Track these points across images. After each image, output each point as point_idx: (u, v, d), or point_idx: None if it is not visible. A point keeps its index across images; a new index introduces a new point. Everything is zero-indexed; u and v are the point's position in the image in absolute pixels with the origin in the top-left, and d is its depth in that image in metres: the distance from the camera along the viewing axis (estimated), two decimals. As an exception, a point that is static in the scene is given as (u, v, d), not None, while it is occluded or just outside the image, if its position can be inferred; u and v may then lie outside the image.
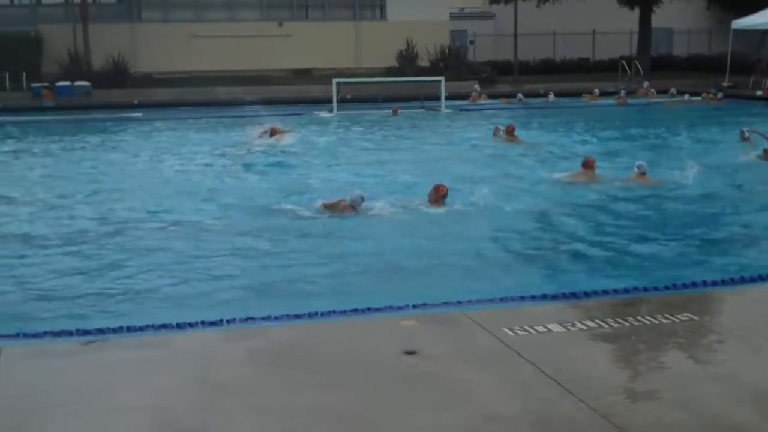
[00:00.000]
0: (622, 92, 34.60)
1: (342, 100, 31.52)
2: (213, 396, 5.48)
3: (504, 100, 34.64)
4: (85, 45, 38.57)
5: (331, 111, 30.34)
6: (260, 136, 22.26)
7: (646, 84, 37.19)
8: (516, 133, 21.23)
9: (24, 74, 36.04)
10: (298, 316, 7.21)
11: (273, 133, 22.00)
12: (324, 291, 8.94)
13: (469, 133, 23.45)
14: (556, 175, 15.78)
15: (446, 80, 32.56)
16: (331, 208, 12.50)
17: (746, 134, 19.88)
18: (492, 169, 17.11)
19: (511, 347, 6.24)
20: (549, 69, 46.52)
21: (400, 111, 29.81)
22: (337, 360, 6.10)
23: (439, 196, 12.70)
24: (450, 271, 9.77)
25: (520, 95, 34.82)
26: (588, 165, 15.41)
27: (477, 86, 36.52)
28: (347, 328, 7.06)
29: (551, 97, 35.29)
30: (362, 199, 12.48)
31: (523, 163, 18.09)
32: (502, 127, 21.75)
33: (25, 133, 25.64)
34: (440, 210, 12.53)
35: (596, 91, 35.34)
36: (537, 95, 35.89)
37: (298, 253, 10.56)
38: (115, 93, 35.99)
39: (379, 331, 6.82)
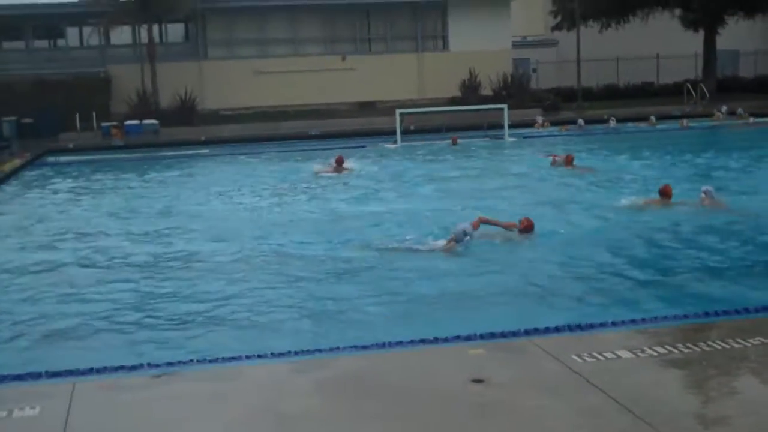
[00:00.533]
0: (685, 121, 34.21)
1: (405, 131, 31.64)
2: (283, 427, 5.53)
3: (563, 128, 34.49)
4: (153, 84, 39.31)
5: (395, 142, 30.48)
6: (326, 169, 22.51)
7: (724, 108, 36.52)
8: (576, 162, 21.04)
9: (94, 114, 36.80)
10: (365, 347, 7.25)
11: (339, 163, 22.20)
12: (393, 321, 8.98)
13: (534, 162, 23.34)
14: (624, 201, 15.65)
15: (509, 108, 32.53)
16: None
17: None
18: (557, 196, 17.03)
19: (580, 374, 6.20)
20: (612, 94, 46.18)
21: (459, 140, 29.83)
22: (405, 389, 6.12)
23: (527, 226, 12.69)
24: (520, 298, 9.75)
25: (580, 121, 34.61)
26: (665, 194, 15.09)
27: (539, 118, 36.30)
28: (415, 357, 7.07)
29: (612, 122, 35.01)
30: (465, 234, 12.07)
31: (585, 190, 17.95)
32: (559, 157, 21.65)
33: (96, 171, 26.16)
34: (522, 239, 12.52)
35: (652, 118, 34.99)
36: (599, 121, 35.65)
37: (369, 285, 10.63)
38: (183, 130, 36.56)
39: (447, 360, 6.83)
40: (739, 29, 47.02)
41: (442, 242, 12.27)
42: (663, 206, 14.83)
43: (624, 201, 15.73)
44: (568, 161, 20.99)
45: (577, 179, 19.49)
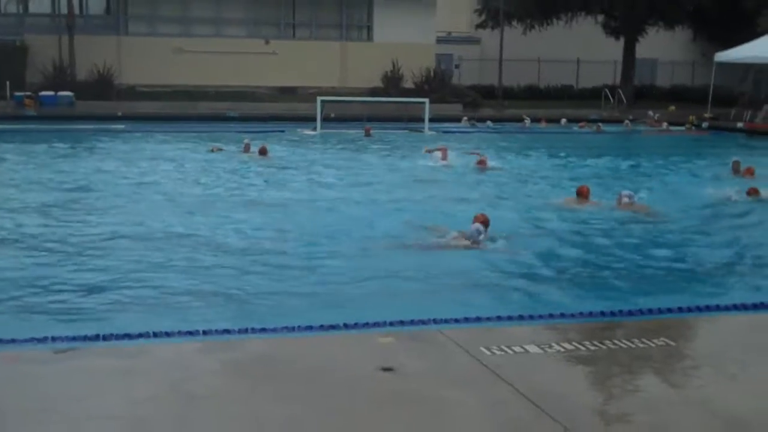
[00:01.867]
0: (600, 125, 34.95)
1: (326, 119, 31.59)
2: (187, 406, 5.46)
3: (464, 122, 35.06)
4: (70, 56, 38.51)
5: (314, 129, 30.41)
6: (244, 152, 22.46)
7: (653, 114, 37.42)
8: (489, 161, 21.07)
9: (8, 83, 35.92)
10: (275, 330, 7.20)
11: (262, 152, 22.07)
12: (307, 306, 8.93)
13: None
14: (539, 200, 15.82)
15: (431, 103, 32.73)
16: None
17: (740, 167, 19.83)
18: (467, 194, 17.08)
19: (488, 366, 6.24)
20: (533, 95, 46.80)
21: (372, 131, 29.89)
22: (312, 373, 6.08)
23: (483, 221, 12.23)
24: (433, 290, 9.78)
25: (489, 122, 35.26)
26: (582, 194, 15.29)
27: (465, 118, 36.66)
28: (324, 342, 7.04)
29: (527, 122, 35.59)
30: (479, 233, 11.74)
31: (496, 188, 18.08)
32: (435, 152, 21.77)
33: (5, 141, 25.52)
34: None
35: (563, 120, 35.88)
36: (518, 120, 36.25)
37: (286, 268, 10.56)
38: (99, 104, 35.95)
39: (356, 347, 6.81)
40: (658, 39, 48.00)
41: (453, 236, 12.02)
42: (579, 206, 15.04)
43: (539, 200, 15.90)
44: (444, 156, 21.02)
45: (487, 177, 19.63)
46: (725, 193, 16.74)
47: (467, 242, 11.69)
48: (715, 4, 43.44)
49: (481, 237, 11.73)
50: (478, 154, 21.87)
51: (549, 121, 36.15)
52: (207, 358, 6.43)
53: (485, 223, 12.03)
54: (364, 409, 5.54)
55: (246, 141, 23.24)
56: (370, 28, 45.29)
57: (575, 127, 35.02)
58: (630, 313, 7.99)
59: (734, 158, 20.44)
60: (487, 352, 6.50)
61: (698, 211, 15.42)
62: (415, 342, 6.90)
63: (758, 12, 40.39)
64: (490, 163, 20.99)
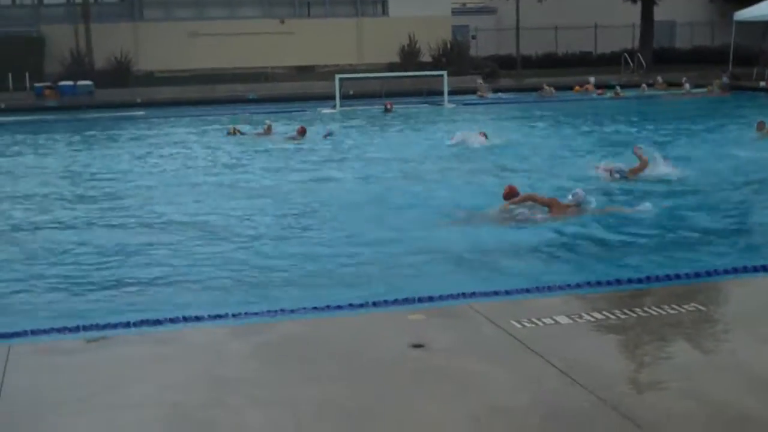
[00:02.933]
0: (618, 87, 34.64)
1: (344, 96, 31.55)
2: (221, 390, 5.49)
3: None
4: (88, 44, 38.59)
5: (333, 107, 30.38)
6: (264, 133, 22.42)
7: (660, 79, 37.04)
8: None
9: (27, 74, 36.05)
10: (305, 310, 7.23)
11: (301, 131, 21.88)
12: (335, 284, 8.96)
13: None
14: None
15: (449, 75, 32.61)
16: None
17: (764, 127, 19.71)
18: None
19: (519, 339, 6.24)
20: (551, 63, 46.50)
21: (393, 106, 29.78)
22: (343, 354, 6.10)
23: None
24: (461, 265, 9.79)
25: (499, 93, 34.97)
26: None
27: (480, 80, 36.52)
28: (354, 322, 7.07)
29: (549, 91, 35.35)
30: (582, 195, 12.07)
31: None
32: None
33: (28, 132, 25.67)
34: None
35: (591, 79, 35.45)
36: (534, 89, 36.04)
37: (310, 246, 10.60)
38: (118, 92, 36.06)
39: (386, 325, 6.83)
40: (676, 1, 47.50)
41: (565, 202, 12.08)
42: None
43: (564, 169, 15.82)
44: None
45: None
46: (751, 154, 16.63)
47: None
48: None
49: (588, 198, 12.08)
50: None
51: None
52: (239, 341, 6.46)
53: (512, 192, 12.09)
54: (396, 386, 5.55)
55: (267, 122, 23.20)
56: (384, 3, 45.06)
57: (594, 94, 34.76)
58: (658, 278, 7.97)
59: (759, 119, 20.28)
60: (518, 325, 6.50)
61: (724, 173, 15.29)
62: (445, 318, 6.92)
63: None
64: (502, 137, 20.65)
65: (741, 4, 39.34)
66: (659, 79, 36.89)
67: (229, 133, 22.96)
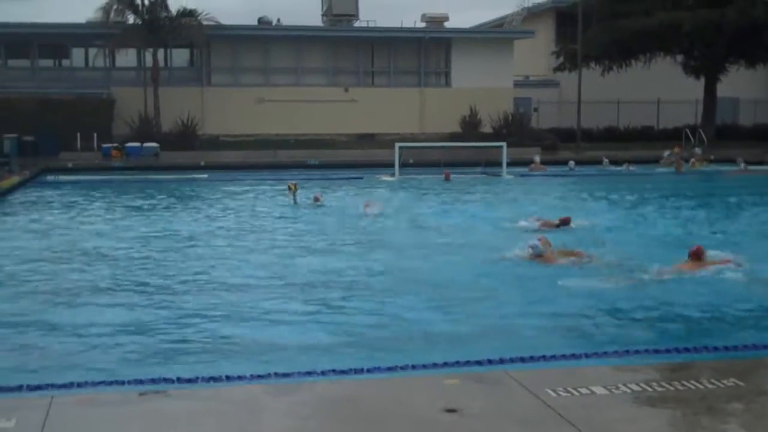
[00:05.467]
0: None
1: (404, 165, 31.82)
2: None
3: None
4: (155, 107, 39.55)
5: (393, 175, 30.63)
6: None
7: (698, 150, 37.16)
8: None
9: (95, 135, 36.97)
10: (343, 371, 7.31)
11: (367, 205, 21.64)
12: (367, 348, 9.06)
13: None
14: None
15: (509, 146, 32.77)
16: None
17: None
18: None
19: (554, 408, 6.25)
20: (612, 137, 46.45)
21: (452, 176, 29.95)
22: (378, 416, 6.17)
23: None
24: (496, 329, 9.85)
25: (571, 163, 34.83)
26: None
27: (537, 157, 36.46)
28: (390, 384, 7.12)
29: (605, 163, 35.40)
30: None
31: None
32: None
33: (94, 192, 26.29)
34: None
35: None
36: (597, 162, 36.09)
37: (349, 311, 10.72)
38: (183, 154, 36.79)
39: (422, 389, 6.87)
40: (739, 77, 47.35)
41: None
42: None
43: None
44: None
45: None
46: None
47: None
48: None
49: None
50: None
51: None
52: (278, 400, 6.56)
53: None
54: (427, 450, 5.60)
55: (316, 194, 23.05)
56: (448, 74, 45.62)
57: (658, 169, 34.74)
58: (696, 350, 7.92)
59: None
60: (553, 394, 6.51)
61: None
62: (480, 384, 6.95)
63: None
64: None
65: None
66: (697, 151, 37.01)
67: (289, 189, 22.97)
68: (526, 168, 33.93)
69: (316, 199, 22.38)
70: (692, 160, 35.81)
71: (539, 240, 13.54)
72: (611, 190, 26.68)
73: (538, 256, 13.27)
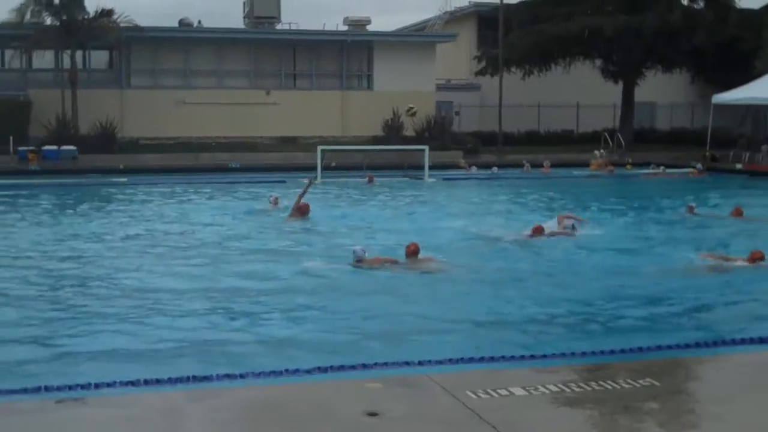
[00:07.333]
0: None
1: (326, 168, 31.76)
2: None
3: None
4: (73, 110, 38.82)
5: (315, 178, 30.53)
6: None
7: (598, 153, 38.11)
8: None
9: (11, 138, 36.18)
10: (263, 374, 7.28)
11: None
12: (295, 350, 9.03)
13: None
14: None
15: (431, 150, 32.94)
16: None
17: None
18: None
19: (473, 410, 6.29)
20: (533, 140, 46.95)
21: (375, 179, 30.04)
22: (298, 420, 6.14)
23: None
24: (417, 332, 9.89)
25: (494, 168, 35.34)
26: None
27: (461, 158, 36.76)
28: (313, 388, 7.11)
29: (527, 167, 35.94)
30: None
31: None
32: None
33: (9, 196, 25.72)
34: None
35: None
36: (518, 165, 36.59)
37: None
38: (102, 157, 36.22)
39: (343, 392, 6.87)
40: (657, 82, 48.28)
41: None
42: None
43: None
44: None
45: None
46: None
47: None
48: (712, 47, 43.70)
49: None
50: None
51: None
52: (196, 405, 6.50)
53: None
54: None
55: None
56: (370, 77, 45.66)
57: (575, 172, 35.28)
58: (614, 352, 8.05)
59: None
60: (473, 396, 6.56)
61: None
62: (402, 387, 6.97)
63: (755, 54, 40.65)
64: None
65: (720, 88, 40.04)
66: (600, 153, 38.01)
67: (270, 203, 22.40)
68: (448, 171, 34.19)
69: (276, 202, 22.15)
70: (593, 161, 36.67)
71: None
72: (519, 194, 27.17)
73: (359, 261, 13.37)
